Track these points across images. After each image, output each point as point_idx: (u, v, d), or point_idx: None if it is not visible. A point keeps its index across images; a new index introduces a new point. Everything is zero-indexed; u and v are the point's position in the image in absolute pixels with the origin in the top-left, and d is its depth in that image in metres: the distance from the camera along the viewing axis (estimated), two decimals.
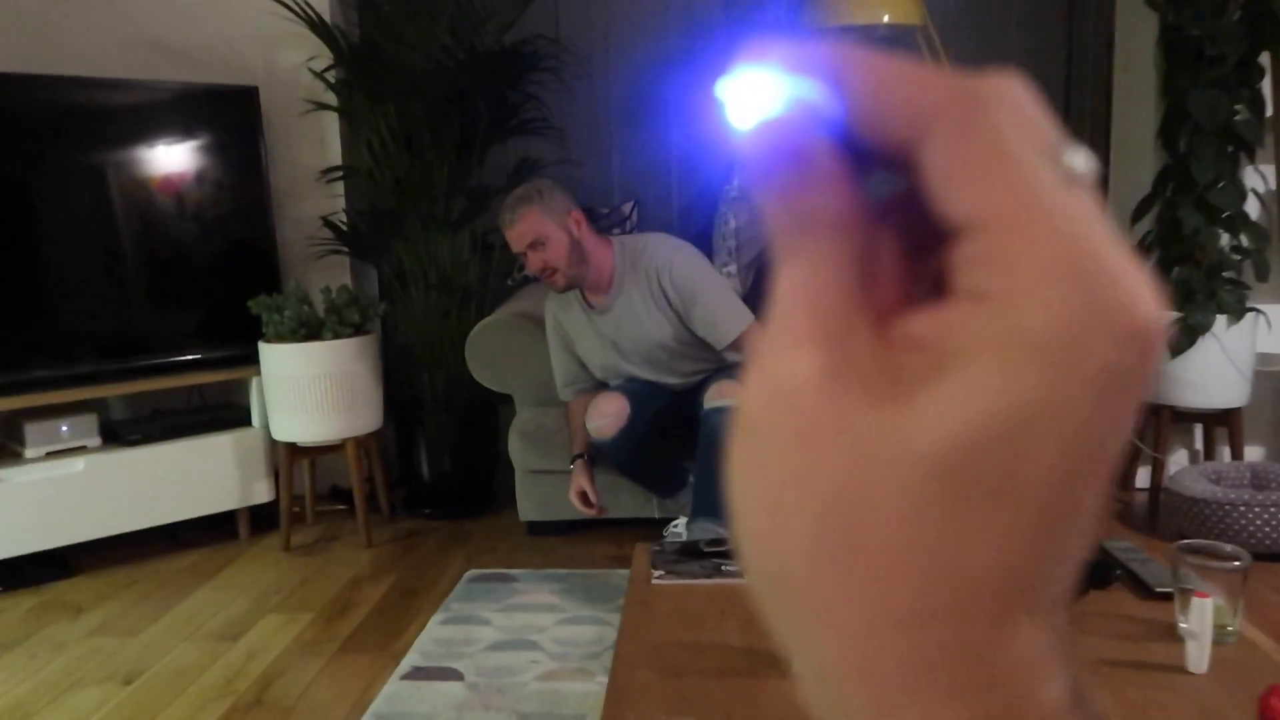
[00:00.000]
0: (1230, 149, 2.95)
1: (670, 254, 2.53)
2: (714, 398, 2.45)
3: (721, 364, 2.63)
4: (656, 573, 1.76)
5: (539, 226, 2.43)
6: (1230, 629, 1.41)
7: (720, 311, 2.49)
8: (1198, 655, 1.31)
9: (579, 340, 2.66)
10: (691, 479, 2.70)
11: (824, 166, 0.19)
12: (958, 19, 3.64)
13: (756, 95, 0.19)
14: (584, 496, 2.58)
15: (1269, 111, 2.99)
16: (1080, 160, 0.19)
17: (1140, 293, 0.17)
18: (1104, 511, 0.18)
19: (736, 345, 2.49)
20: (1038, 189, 0.17)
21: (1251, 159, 2.97)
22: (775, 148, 0.19)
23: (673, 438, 2.65)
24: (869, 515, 0.17)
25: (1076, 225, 0.17)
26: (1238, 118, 2.92)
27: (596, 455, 2.63)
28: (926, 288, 0.19)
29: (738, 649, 1.46)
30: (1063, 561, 0.18)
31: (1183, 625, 1.36)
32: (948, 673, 0.18)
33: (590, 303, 2.60)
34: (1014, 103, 0.18)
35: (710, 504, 2.41)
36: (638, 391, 2.60)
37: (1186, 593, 1.37)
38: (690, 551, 1.85)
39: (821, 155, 0.19)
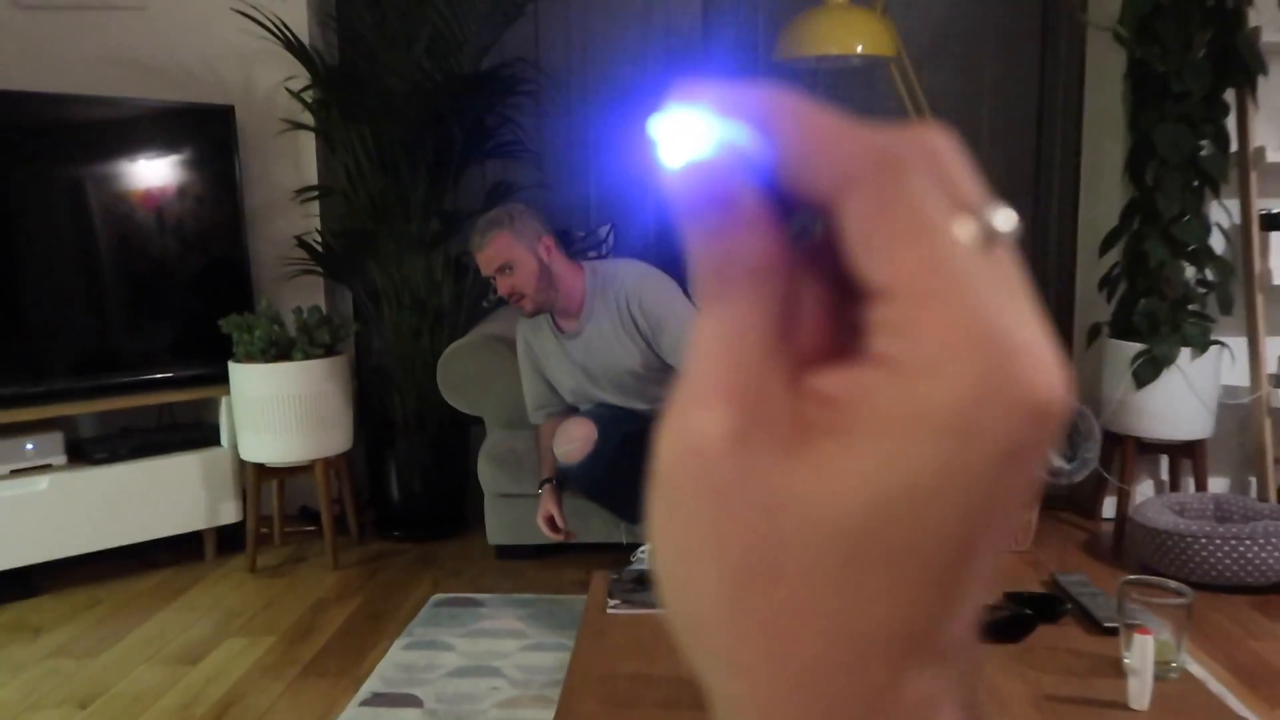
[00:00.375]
0: (1195, 183, 2.99)
1: (640, 281, 2.54)
2: None
3: None
4: (612, 601, 1.77)
5: (508, 251, 2.44)
6: (1174, 665, 1.42)
7: (688, 339, 2.50)
8: (1139, 692, 1.32)
9: (549, 364, 2.67)
10: None
11: (749, 212, 0.19)
12: (932, 51, 3.69)
13: (687, 136, 0.19)
14: (551, 521, 2.58)
15: (1233, 147, 3.04)
16: (1002, 219, 0.19)
17: (1042, 368, 0.18)
18: (999, 570, 0.19)
19: None
20: (948, 260, 0.18)
21: (1216, 194, 3.01)
22: (701, 190, 0.19)
23: (641, 462, 2.64)
24: (775, 573, 0.18)
25: (984, 297, 0.18)
26: (1202, 153, 2.96)
27: (564, 480, 2.63)
28: (850, 328, 0.20)
29: (688, 681, 1.46)
30: (958, 616, 0.19)
31: (1127, 661, 1.37)
32: (845, 717, 0.19)
33: (561, 327, 2.61)
34: (935, 163, 0.19)
35: None
36: (606, 416, 2.60)
37: (1131, 628, 1.38)
38: (648, 580, 1.85)
39: (747, 201, 0.19)
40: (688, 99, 0.19)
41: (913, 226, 0.18)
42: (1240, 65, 2.92)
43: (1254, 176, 3.05)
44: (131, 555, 3.03)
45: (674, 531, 0.20)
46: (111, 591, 2.80)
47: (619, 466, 2.60)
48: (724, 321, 0.19)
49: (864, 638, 0.18)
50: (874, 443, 0.18)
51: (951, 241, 0.18)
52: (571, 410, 2.70)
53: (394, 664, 2.28)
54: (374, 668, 2.26)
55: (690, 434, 0.19)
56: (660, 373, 2.59)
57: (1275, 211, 3.11)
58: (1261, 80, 2.97)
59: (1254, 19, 2.96)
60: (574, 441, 2.52)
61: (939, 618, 0.18)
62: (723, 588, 0.19)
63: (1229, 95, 3.01)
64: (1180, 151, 2.93)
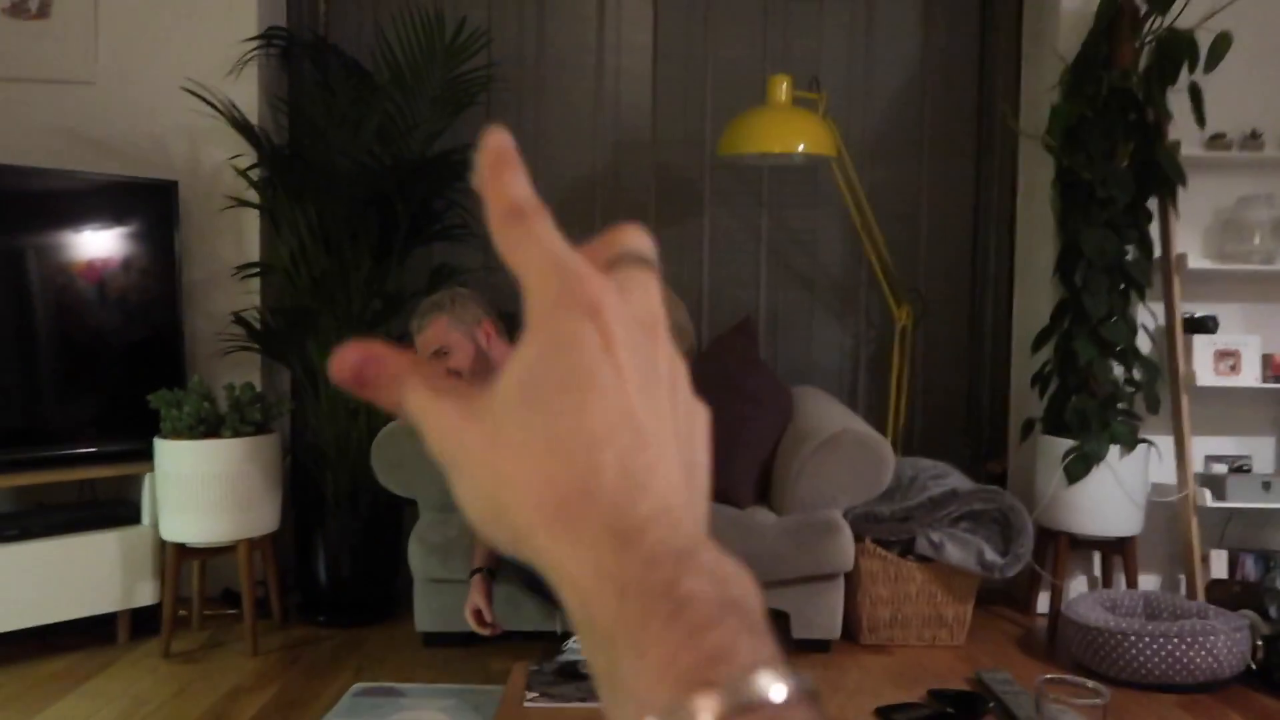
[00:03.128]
0: (1122, 286, 3.09)
1: None
2: None
3: None
4: (530, 694, 1.71)
5: (445, 335, 2.45)
6: None
7: None
8: None
9: None
10: None
11: (378, 365, 0.32)
12: (872, 152, 3.81)
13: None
14: (479, 616, 2.52)
15: (1157, 253, 3.15)
16: None
17: (592, 282, 0.29)
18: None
19: None
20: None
21: (1142, 297, 3.11)
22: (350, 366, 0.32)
23: None
24: (498, 431, 0.29)
25: (551, 258, 0.30)
26: (1128, 258, 3.07)
27: (503, 568, 2.57)
28: None
29: None
30: (610, 448, 0.28)
31: None
32: (572, 481, 0.28)
33: None
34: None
35: None
36: None
37: None
38: (568, 673, 1.80)
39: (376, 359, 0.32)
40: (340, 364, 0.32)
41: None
42: (1162, 176, 3.05)
43: (1177, 281, 3.16)
44: (38, 638, 2.90)
45: (441, 449, 0.31)
46: (12, 676, 2.66)
47: None
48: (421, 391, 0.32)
49: (561, 437, 0.28)
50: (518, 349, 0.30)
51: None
52: None
53: None
54: None
55: (410, 405, 0.31)
56: None
57: (1198, 315, 3.21)
58: (1181, 191, 3.10)
59: (1173, 133, 3.10)
60: None
61: (586, 441, 0.28)
62: (479, 451, 0.30)
63: (1152, 203, 3.14)
64: (1106, 255, 3.03)
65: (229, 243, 3.37)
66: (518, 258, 0.30)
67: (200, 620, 3.09)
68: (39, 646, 2.86)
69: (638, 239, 0.32)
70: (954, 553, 2.87)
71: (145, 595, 2.92)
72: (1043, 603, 3.29)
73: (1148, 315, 3.24)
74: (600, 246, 0.32)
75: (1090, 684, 1.44)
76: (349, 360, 0.31)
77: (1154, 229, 3.14)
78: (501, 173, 0.31)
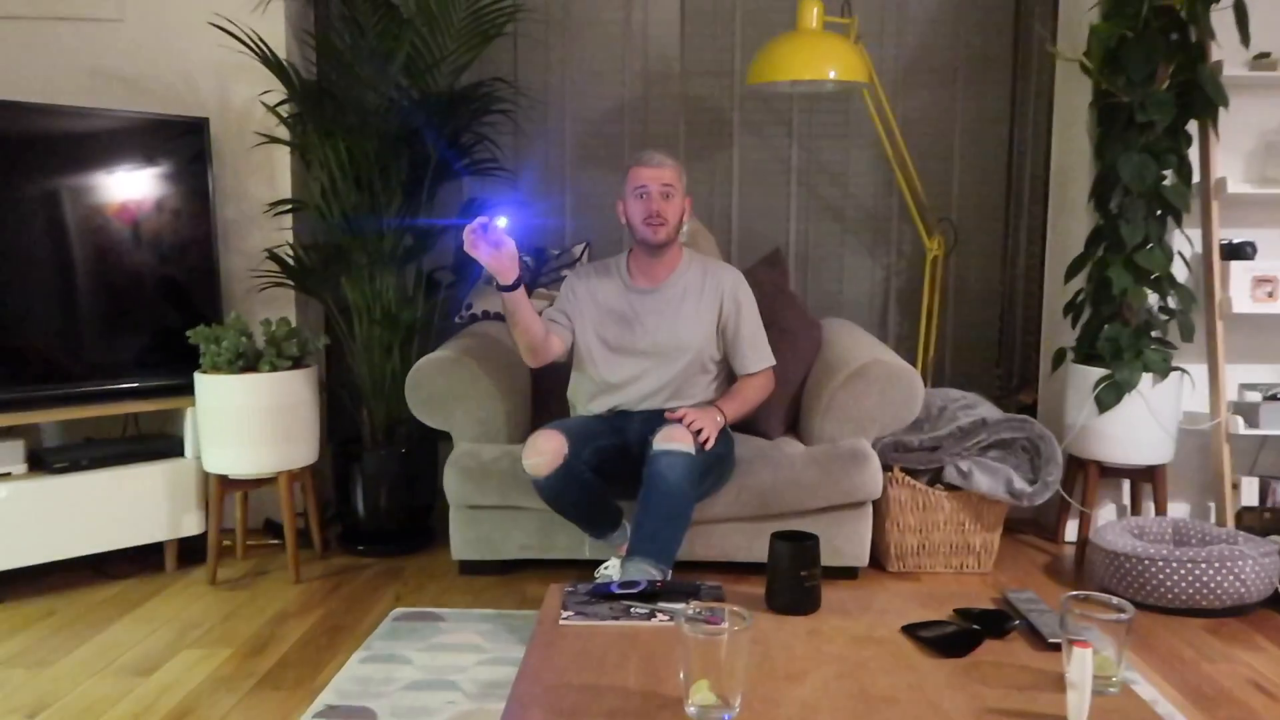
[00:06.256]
0: (1159, 212, 3.04)
1: (741, 283, 2.82)
2: (664, 440, 2.46)
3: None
4: (565, 613, 1.76)
5: (677, 181, 2.69)
6: (1114, 680, 1.43)
7: (759, 343, 2.80)
8: (1078, 705, 1.33)
9: (600, 303, 2.76)
10: (626, 522, 2.71)
11: None
12: (905, 78, 3.74)
13: None
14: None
15: (1196, 178, 3.09)
16: None
17: None
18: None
19: (754, 376, 2.77)
20: None
21: (1179, 223, 3.06)
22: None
23: (611, 477, 2.64)
24: None
25: None
26: (1166, 183, 3.01)
27: (540, 494, 2.59)
28: None
29: (635, 691, 1.46)
30: None
31: (1068, 675, 1.38)
32: None
33: (633, 275, 2.78)
34: None
35: (649, 545, 2.39)
36: (576, 429, 2.61)
37: (1073, 643, 1.39)
38: (601, 593, 1.85)
39: None
40: None
41: None
42: (1203, 98, 2.98)
43: (1215, 206, 3.11)
44: (90, 566, 3.01)
45: None
46: (68, 602, 2.77)
47: (585, 480, 2.59)
48: None
49: None
50: None
51: None
52: (608, 358, 2.75)
53: (350, 677, 2.27)
54: (330, 680, 2.25)
55: None
56: (701, 366, 2.75)
57: (1236, 241, 3.16)
58: (1223, 113, 3.03)
59: (1216, 53, 3.02)
60: (543, 455, 2.51)
61: None
62: None
63: (1192, 127, 3.07)
64: (1144, 181, 2.98)
65: (261, 180, 3.40)
66: None
67: (244, 549, 3.19)
68: (92, 574, 2.97)
69: None
70: (982, 480, 2.88)
71: (191, 525, 3.01)
72: (1071, 531, 3.31)
73: (1184, 242, 3.19)
74: None
75: (1115, 600, 1.47)
76: None
77: (1193, 152, 3.07)
78: None
